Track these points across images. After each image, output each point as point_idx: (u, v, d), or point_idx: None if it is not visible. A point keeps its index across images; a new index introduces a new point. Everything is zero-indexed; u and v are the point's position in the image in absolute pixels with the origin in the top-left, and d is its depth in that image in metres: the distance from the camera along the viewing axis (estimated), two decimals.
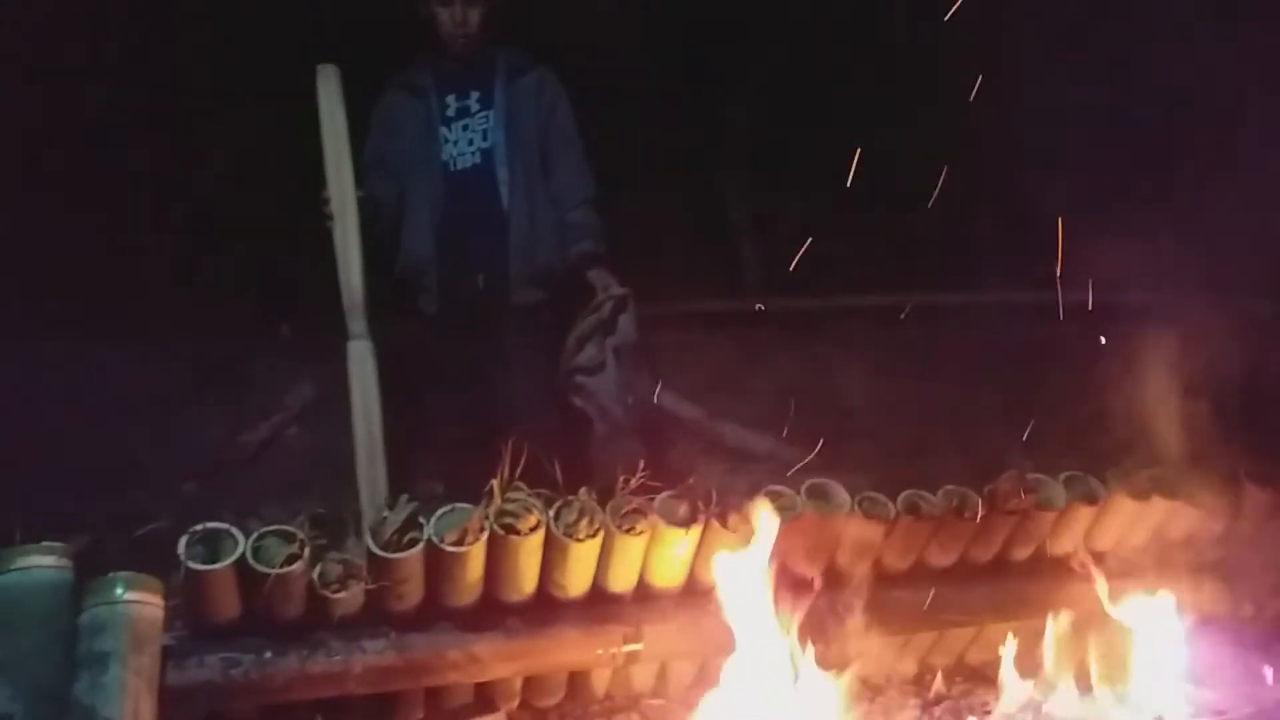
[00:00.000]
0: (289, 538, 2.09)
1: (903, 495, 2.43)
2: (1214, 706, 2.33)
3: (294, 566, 2.05)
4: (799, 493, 2.38)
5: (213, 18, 4.91)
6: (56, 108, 4.86)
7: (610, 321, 3.21)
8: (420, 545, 2.09)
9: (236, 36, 4.79)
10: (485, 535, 2.11)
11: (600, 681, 2.50)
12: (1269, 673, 2.52)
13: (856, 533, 2.41)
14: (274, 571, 2.03)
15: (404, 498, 2.13)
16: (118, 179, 5.48)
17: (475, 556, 2.12)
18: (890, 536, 2.45)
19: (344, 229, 2.50)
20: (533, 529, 2.13)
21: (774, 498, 2.35)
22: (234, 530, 2.07)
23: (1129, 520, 2.59)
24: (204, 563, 2.02)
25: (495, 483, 2.11)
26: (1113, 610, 2.48)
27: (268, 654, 2.09)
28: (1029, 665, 2.50)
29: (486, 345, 3.30)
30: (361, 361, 2.78)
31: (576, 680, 2.48)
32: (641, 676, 2.51)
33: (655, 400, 4.57)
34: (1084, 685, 2.43)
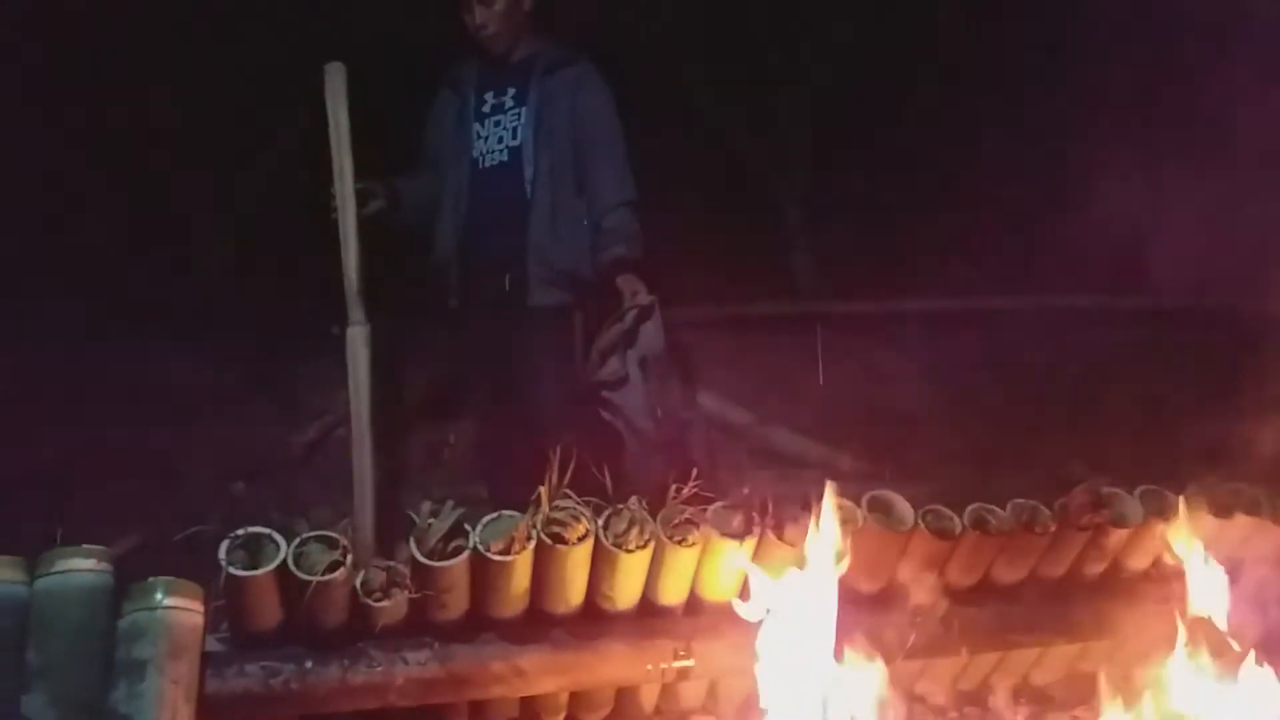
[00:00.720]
0: (332, 544, 2.03)
1: (970, 509, 2.31)
2: None
3: (336, 574, 1.99)
4: (859, 505, 2.27)
5: (257, 19, 4.92)
6: (111, 110, 4.91)
7: (633, 332, 3.09)
8: (466, 553, 2.02)
9: (285, 38, 4.80)
10: (532, 544, 2.03)
11: (649, 697, 2.42)
12: None
13: (921, 548, 2.30)
14: (316, 579, 1.97)
15: (449, 504, 2.06)
16: (171, 180, 5.55)
17: (521, 566, 2.05)
18: (956, 552, 2.33)
19: (344, 218, 2.48)
20: (581, 538, 2.05)
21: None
22: (276, 535, 2.02)
23: (1207, 538, 2.44)
24: (245, 568, 1.97)
25: (543, 490, 2.03)
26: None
27: (308, 663, 2.04)
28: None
29: (506, 347, 3.23)
30: (356, 347, 2.73)
31: (624, 695, 2.40)
32: (691, 692, 2.42)
33: (697, 407, 4.50)
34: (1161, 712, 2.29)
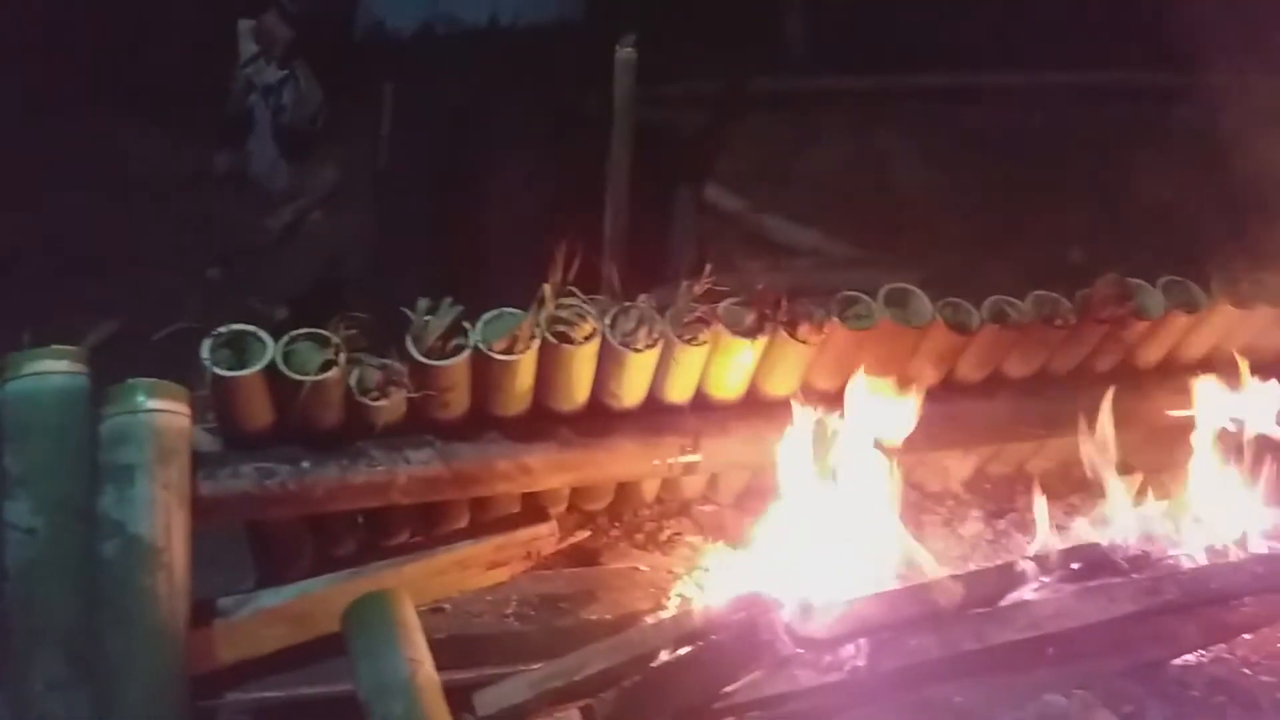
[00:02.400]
0: (323, 342, 1.92)
1: (989, 301, 2.21)
2: None
3: (329, 373, 1.88)
4: (875, 298, 2.17)
5: None
6: None
7: None
8: (466, 352, 1.91)
9: None
10: (536, 343, 1.92)
11: (650, 488, 2.40)
12: None
13: (936, 342, 2.22)
14: (308, 379, 1.86)
15: (447, 301, 1.93)
16: None
17: (525, 365, 1.95)
18: (971, 345, 2.26)
19: None
20: (587, 338, 1.94)
21: (849, 304, 2.15)
22: (261, 333, 1.90)
23: (1225, 330, 2.38)
24: (230, 368, 1.86)
25: (547, 287, 1.90)
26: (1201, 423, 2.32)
27: (305, 464, 1.96)
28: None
29: None
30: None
31: (626, 486, 2.38)
32: (693, 482, 2.40)
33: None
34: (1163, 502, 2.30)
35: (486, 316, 1.93)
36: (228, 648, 1.97)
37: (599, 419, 2.10)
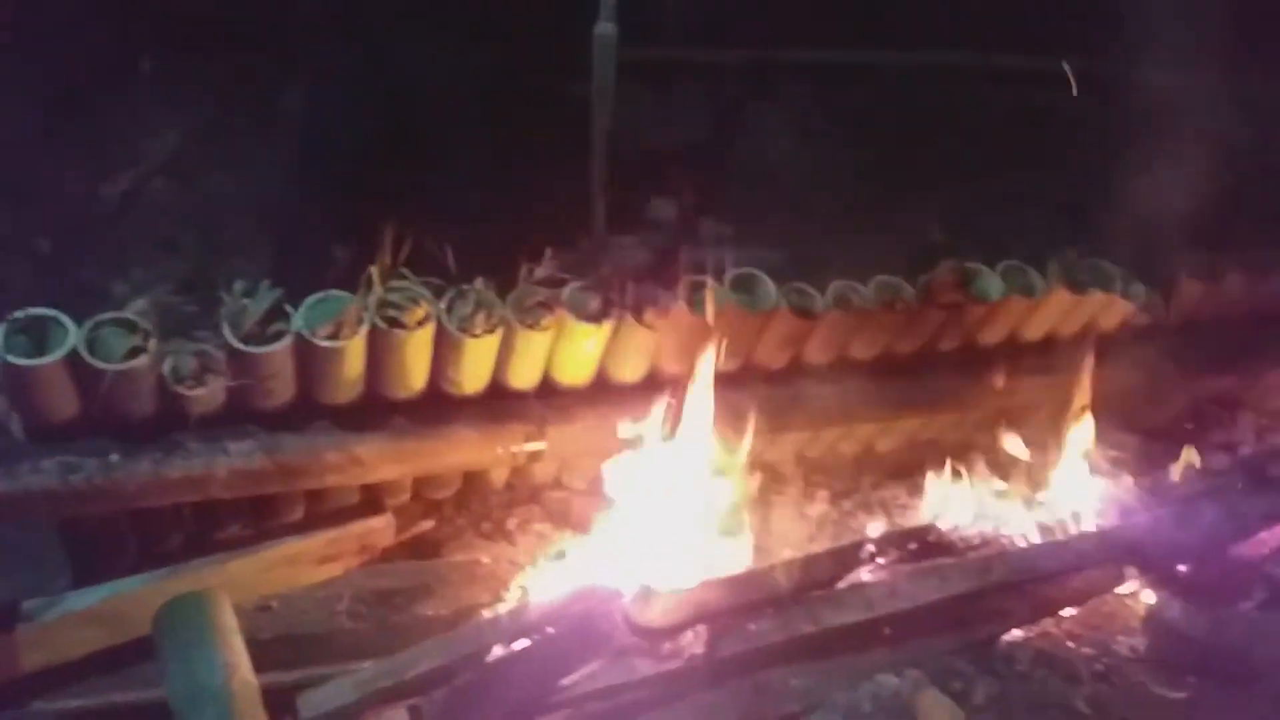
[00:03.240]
0: (130, 327, 1.79)
1: (832, 287, 2.22)
2: (1123, 507, 2.30)
3: (137, 361, 1.76)
4: (722, 284, 2.14)
5: None
6: None
7: None
8: (287, 339, 1.81)
9: None
10: (364, 329, 1.83)
11: (499, 475, 2.33)
12: (1173, 472, 2.51)
13: (782, 326, 2.22)
14: (112, 367, 1.73)
15: (266, 283, 1.82)
16: None
17: (353, 352, 1.86)
18: (816, 329, 2.26)
19: None
20: (420, 323, 1.86)
21: (695, 289, 2.12)
22: (63, 317, 1.76)
23: (1063, 313, 2.45)
24: (28, 355, 1.72)
25: (374, 269, 1.81)
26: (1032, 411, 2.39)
27: (114, 457, 1.83)
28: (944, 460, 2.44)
29: None
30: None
31: (473, 474, 2.31)
32: (543, 469, 2.35)
33: None
34: (1002, 481, 2.37)
35: (310, 300, 1.83)
36: (33, 653, 1.83)
37: (437, 407, 2.03)
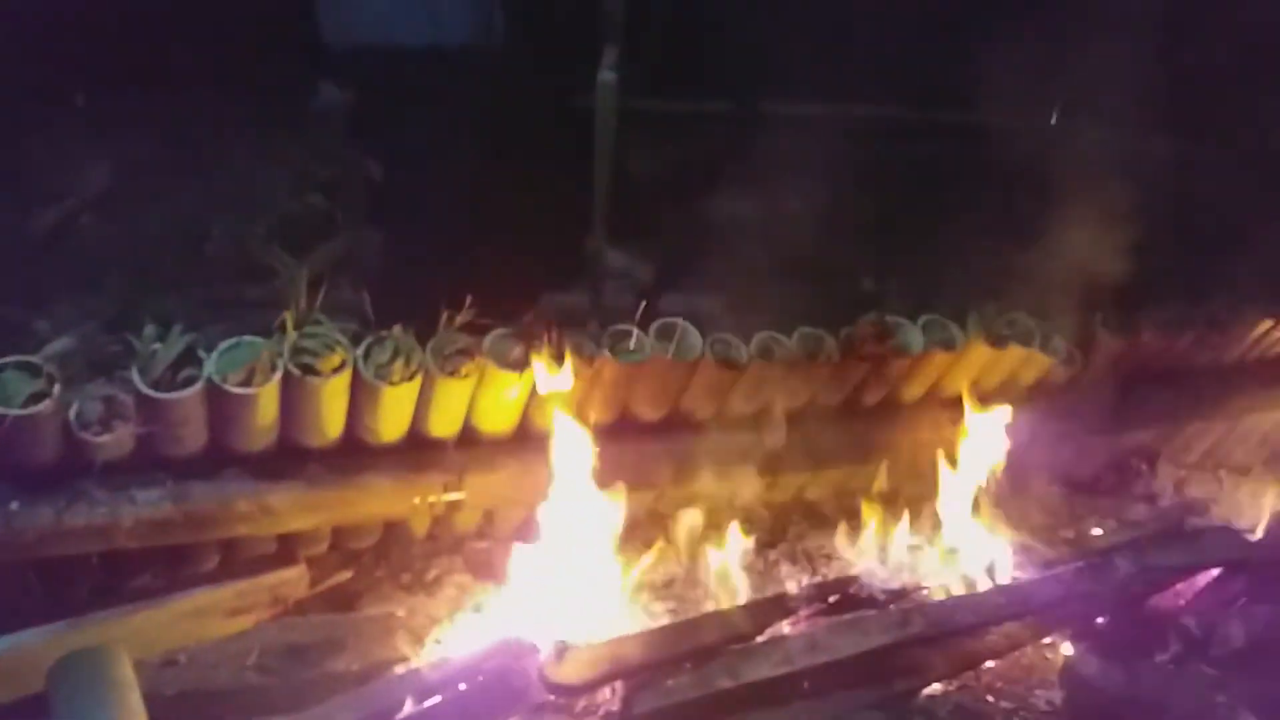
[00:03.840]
0: (34, 371, 1.74)
1: (756, 338, 2.23)
2: (1044, 559, 2.33)
3: (40, 406, 1.70)
4: (647, 333, 2.15)
5: None
6: None
7: None
8: (198, 385, 1.77)
9: None
10: (278, 375, 1.80)
11: (420, 524, 2.29)
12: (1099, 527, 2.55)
13: (707, 377, 2.22)
14: (12, 412, 1.68)
15: (177, 328, 1.78)
16: None
17: (266, 399, 1.82)
18: (741, 380, 2.27)
19: None
20: (336, 370, 1.83)
21: (619, 339, 2.12)
22: None
23: (982, 366, 2.49)
24: None
25: (288, 315, 1.78)
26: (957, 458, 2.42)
27: (14, 505, 1.77)
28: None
29: None
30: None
31: (394, 524, 2.27)
32: (466, 518, 2.31)
33: None
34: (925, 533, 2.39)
35: (222, 345, 1.80)
36: None
37: (353, 455, 1.99)
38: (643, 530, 2.40)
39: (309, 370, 1.81)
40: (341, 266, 3.95)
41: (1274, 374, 2.97)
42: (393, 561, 2.30)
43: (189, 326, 1.86)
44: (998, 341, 2.42)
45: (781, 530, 2.60)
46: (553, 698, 1.78)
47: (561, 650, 1.80)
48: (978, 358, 2.44)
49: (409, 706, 1.73)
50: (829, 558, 2.50)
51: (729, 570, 2.37)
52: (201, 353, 1.80)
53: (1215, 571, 2.37)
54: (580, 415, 2.14)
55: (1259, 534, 2.58)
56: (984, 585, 2.25)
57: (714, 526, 2.58)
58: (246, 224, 4.09)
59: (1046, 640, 2.22)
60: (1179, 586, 2.35)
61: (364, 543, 2.27)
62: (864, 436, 2.51)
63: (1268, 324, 2.80)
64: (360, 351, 1.87)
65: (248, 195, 4.32)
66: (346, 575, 2.24)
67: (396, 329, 1.87)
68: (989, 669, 2.15)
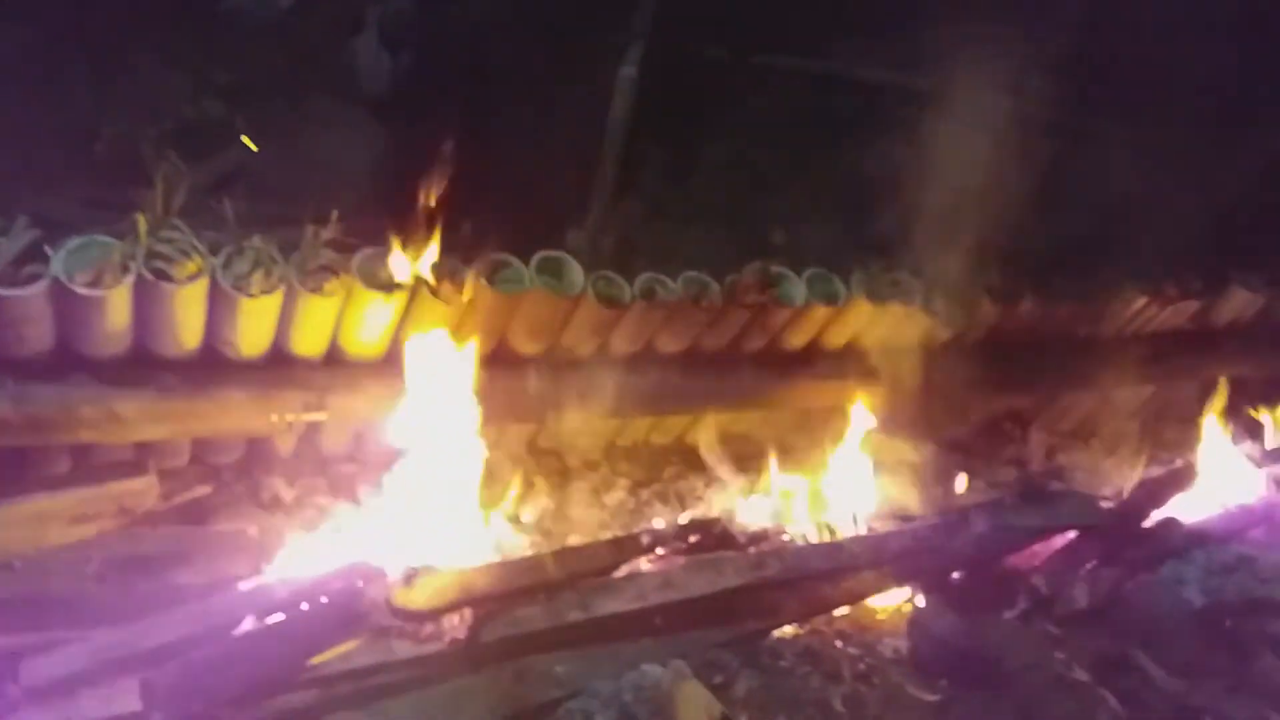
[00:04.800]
0: None
1: (640, 279, 2.22)
2: (902, 513, 2.38)
3: None
4: (528, 265, 2.12)
5: None
6: None
7: None
8: (42, 283, 1.69)
9: None
10: (130, 278, 1.73)
11: (285, 443, 2.25)
12: (959, 481, 2.61)
13: (589, 314, 2.20)
14: None
15: (23, 220, 1.70)
16: None
17: (116, 302, 1.75)
18: (623, 320, 2.26)
19: None
20: (191, 277, 1.77)
21: (498, 267, 2.09)
22: None
23: (865, 322, 2.52)
24: None
25: (142, 217, 1.71)
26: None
27: None
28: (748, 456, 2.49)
29: None
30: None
31: (258, 440, 2.22)
32: (334, 439, 2.28)
33: None
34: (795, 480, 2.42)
35: (71, 244, 1.72)
36: None
37: (211, 368, 1.94)
38: (518, 464, 2.40)
39: (162, 275, 1.74)
40: (235, 176, 3.83)
41: (1149, 350, 3.07)
42: (255, 479, 2.25)
43: (64, 226, 1.78)
44: (879, 299, 2.45)
45: (658, 471, 2.62)
46: (398, 622, 1.76)
47: (409, 576, 1.78)
48: (859, 314, 2.47)
49: (247, 623, 1.71)
50: (700, 499, 2.53)
51: (596, 506, 2.39)
52: (48, 249, 1.72)
53: (1071, 534, 2.46)
54: (455, 343, 2.12)
55: (1116, 502, 2.68)
56: (842, 534, 2.29)
57: (590, 464, 2.60)
58: (139, 126, 3.93)
59: (900, 591, 2.28)
60: (1036, 547, 2.43)
61: (226, 458, 2.23)
62: (747, 384, 2.53)
63: (1143, 300, 2.88)
64: (220, 260, 1.80)
65: (144, 97, 4.15)
66: (205, 490, 2.18)
67: (257, 239, 1.81)
68: (841, 615, 2.21)
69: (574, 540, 2.19)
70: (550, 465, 2.47)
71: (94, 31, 4.07)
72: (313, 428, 2.09)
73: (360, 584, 1.77)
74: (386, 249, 1.93)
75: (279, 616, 1.73)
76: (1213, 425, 2.95)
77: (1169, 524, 2.57)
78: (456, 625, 1.81)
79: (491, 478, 2.08)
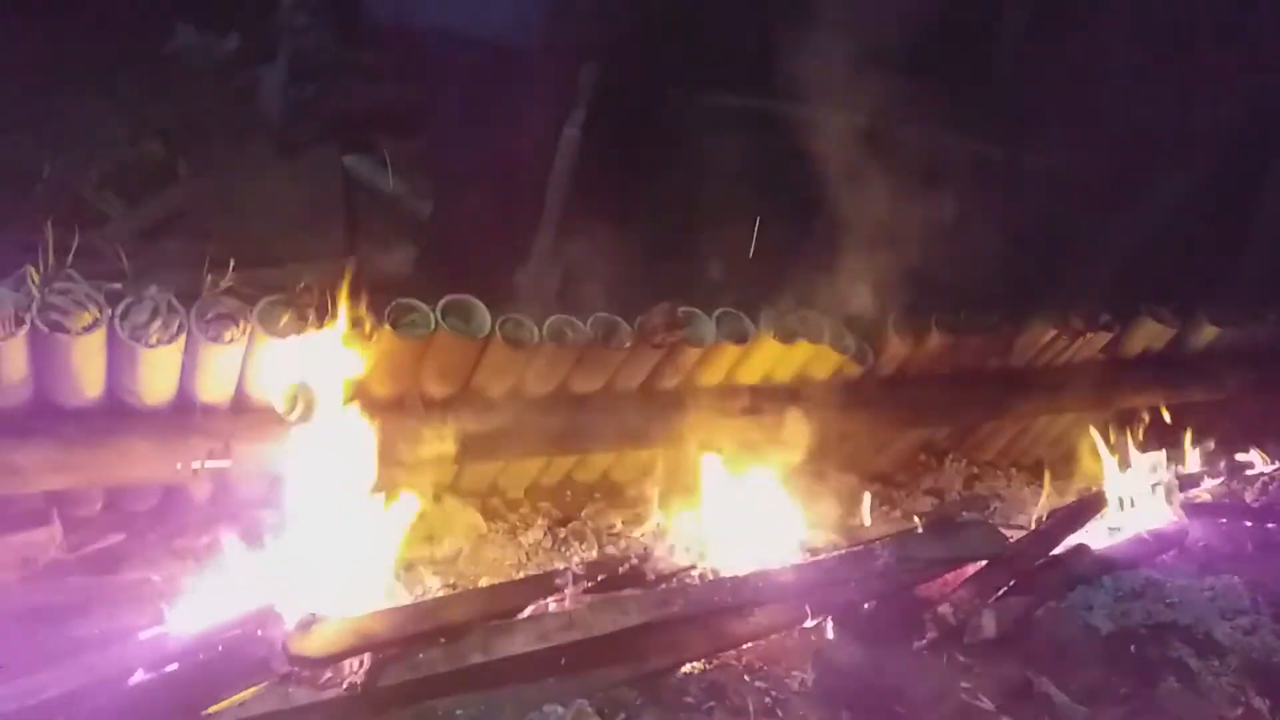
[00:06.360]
0: None
1: (549, 321, 2.26)
2: (811, 546, 2.43)
3: None
4: (435, 309, 2.15)
5: None
6: None
7: None
8: None
9: None
10: (24, 330, 1.74)
11: (201, 489, 2.26)
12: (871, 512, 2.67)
13: (497, 356, 2.24)
14: None
15: None
16: None
17: (12, 353, 1.77)
18: (533, 361, 2.30)
19: None
20: (87, 328, 1.79)
21: (404, 313, 2.12)
22: None
23: (774, 360, 2.58)
24: None
25: (31, 269, 1.73)
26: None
27: None
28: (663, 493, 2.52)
29: None
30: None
31: (174, 487, 2.23)
32: (245, 485, 2.29)
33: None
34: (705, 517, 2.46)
35: None
36: None
37: (114, 416, 1.95)
38: (433, 505, 2.42)
39: (57, 327, 1.76)
40: (178, 217, 3.84)
41: (1063, 379, 3.15)
42: (169, 526, 2.26)
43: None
44: (787, 336, 2.50)
45: (578, 508, 2.65)
46: (295, 669, 1.78)
47: (308, 622, 1.80)
48: (768, 351, 2.52)
49: (141, 673, 1.71)
50: (618, 536, 2.56)
51: (512, 546, 2.41)
52: None
53: (982, 563, 2.51)
54: (362, 388, 2.14)
55: (1029, 530, 2.74)
56: (751, 569, 2.33)
57: (510, 503, 2.63)
58: (80, 167, 3.95)
59: (809, 624, 2.32)
60: (947, 576, 2.48)
61: (139, 505, 2.23)
62: (663, 422, 2.57)
63: (1052, 333, 2.96)
64: (118, 311, 1.82)
65: (83, 138, 4.16)
66: (118, 538, 2.19)
67: (153, 289, 1.83)
68: (749, 649, 2.24)
69: (485, 582, 2.21)
70: (467, 505, 2.48)
71: (34, 73, 4.09)
72: (228, 474, 2.10)
73: (258, 631, 1.78)
74: (290, 296, 1.96)
75: (174, 666, 1.74)
76: (1127, 452, 3.03)
77: (1079, 551, 2.64)
78: (355, 670, 1.83)
79: (402, 521, 2.10)
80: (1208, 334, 3.31)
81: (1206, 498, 3.21)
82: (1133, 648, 2.38)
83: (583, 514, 2.63)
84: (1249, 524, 3.09)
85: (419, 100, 3.99)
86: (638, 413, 2.51)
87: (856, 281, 2.77)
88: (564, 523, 2.59)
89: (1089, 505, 2.83)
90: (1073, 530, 2.72)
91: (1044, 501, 2.97)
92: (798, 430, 2.59)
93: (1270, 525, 3.10)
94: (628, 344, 2.33)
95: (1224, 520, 3.07)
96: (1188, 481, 3.18)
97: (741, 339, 2.46)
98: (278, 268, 2.70)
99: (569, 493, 2.74)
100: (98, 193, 3.94)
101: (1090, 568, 2.58)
